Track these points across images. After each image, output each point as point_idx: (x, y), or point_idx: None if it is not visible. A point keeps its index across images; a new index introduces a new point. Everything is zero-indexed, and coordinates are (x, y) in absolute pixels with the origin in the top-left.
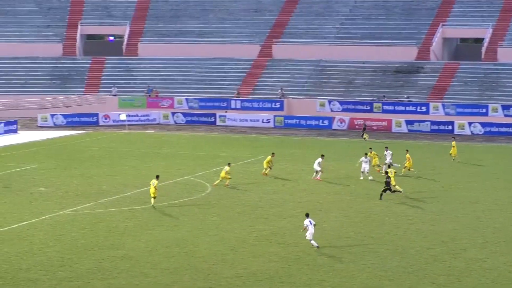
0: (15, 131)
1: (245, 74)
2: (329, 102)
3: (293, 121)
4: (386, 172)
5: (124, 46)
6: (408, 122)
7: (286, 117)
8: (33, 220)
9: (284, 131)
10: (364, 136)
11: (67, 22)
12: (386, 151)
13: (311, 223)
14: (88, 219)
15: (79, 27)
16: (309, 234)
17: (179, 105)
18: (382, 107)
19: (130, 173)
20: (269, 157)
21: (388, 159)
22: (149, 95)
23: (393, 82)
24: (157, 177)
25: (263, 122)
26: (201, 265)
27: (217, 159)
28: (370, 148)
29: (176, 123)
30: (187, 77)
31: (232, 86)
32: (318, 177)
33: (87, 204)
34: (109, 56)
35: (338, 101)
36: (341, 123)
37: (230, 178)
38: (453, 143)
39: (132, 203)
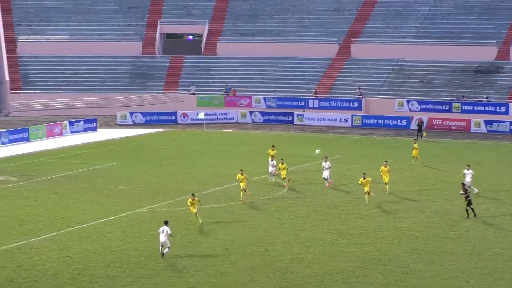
0: (94, 129)
1: (323, 73)
2: (408, 101)
3: (371, 121)
4: (465, 191)
5: (202, 45)
6: (487, 123)
7: (364, 117)
8: (112, 218)
9: (361, 131)
10: (422, 134)
11: (146, 21)
12: (468, 169)
13: (162, 232)
14: (166, 217)
15: (159, 26)
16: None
17: (257, 104)
18: (461, 107)
19: (208, 171)
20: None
21: (467, 180)
22: (227, 94)
23: (472, 82)
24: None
25: (340, 121)
26: (277, 264)
27: (294, 158)
28: (386, 161)
29: (253, 122)
30: (265, 76)
31: (310, 85)
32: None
33: (165, 202)
34: (188, 55)
35: (416, 100)
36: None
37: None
38: None
39: (209, 202)
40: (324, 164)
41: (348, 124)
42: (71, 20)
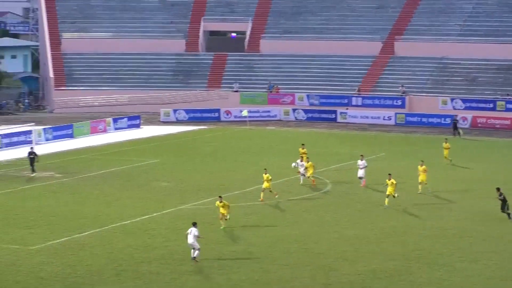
0: (138, 125)
1: (367, 71)
2: (452, 99)
3: (415, 119)
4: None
5: (246, 43)
6: None
7: (407, 115)
8: (155, 214)
9: (405, 129)
10: (459, 131)
11: (190, 18)
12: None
13: (190, 233)
14: (209, 214)
15: (202, 23)
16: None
17: (300, 101)
18: (506, 106)
19: (251, 169)
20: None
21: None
22: (270, 92)
23: None
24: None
25: (384, 119)
26: (321, 262)
27: (338, 156)
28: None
29: (296, 119)
30: (308, 73)
31: (353, 83)
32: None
33: (208, 199)
34: (231, 52)
35: (460, 98)
36: (463, 121)
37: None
38: None
39: (252, 199)
40: (359, 162)
41: (392, 122)
42: (115, 17)
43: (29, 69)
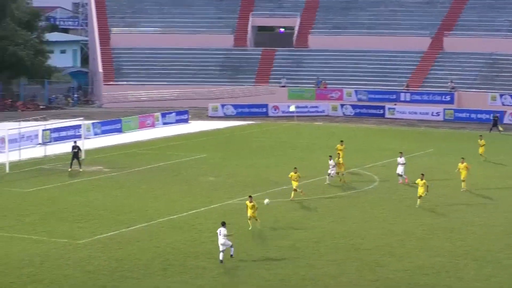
0: (186, 120)
1: (415, 67)
2: (501, 95)
3: (463, 115)
4: None
5: (294, 38)
6: None
7: (456, 111)
8: (202, 209)
9: (453, 125)
10: (499, 128)
11: (238, 13)
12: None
13: (219, 233)
14: (257, 209)
15: (250, 18)
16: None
17: (348, 97)
18: None
19: (298, 164)
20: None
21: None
22: (318, 87)
23: None
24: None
25: (432, 115)
26: (367, 258)
27: (386, 151)
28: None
29: (344, 115)
30: (357, 69)
31: (402, 79)
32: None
33: (255, 194)
34: (279, 48)
35: (509, 94)
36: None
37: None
38: None
39: (299, 194)
40: (398, 159)
41: (440, 117)
42: (163, 12)
43: (78, 63)
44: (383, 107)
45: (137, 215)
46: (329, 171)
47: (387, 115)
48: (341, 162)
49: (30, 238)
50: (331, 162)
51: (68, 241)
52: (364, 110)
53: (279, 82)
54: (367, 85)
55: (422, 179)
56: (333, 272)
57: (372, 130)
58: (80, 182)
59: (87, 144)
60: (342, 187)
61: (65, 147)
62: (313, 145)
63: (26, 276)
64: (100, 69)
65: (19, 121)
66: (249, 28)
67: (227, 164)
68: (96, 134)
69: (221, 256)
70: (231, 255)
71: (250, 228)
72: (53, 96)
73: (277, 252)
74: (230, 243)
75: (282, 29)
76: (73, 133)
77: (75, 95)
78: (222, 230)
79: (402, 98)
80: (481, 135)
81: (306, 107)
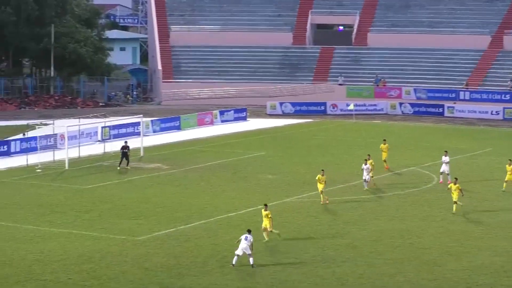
0: (244, 118)
1: (475, 65)
2: None
3: None
4: None
5: (353, 36)
6: None
7: None
8: (260, 207)
9: None
10: None
11: (297, 11)
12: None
13: (246, 239)
14: (314, 207)
15: (310, 16)
16: (240, 250)
17: (406, 95)
18: None
19: (356, 162)
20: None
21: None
22: (377, 85)
23: None
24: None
25: (492, 114)
26: (425, 257)
27: (444, 150)
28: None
29: (403, 113)
30: (416, 67)
31: (461, 77)
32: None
33: (313, 192)
34: (338, 46)
35: None
36: None
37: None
38: None
39: (357, 193)
40: (443, 158)
41: (500, 116)
42: (223, 10)
43: (138, 61)
44: (442, 106)
45: (195, 212)
46: (364, 177)
47: (446, 113)
48: (372, 164)
49: (89, 235)
50: (365, 167)
51: (127, 238)
52: (423, 109)
53: (338, 80)
54: (426, 83)
55: (455, 183)
56: (391, 271)
57: (431, 128)
58: (139, 179)
59: (146, 141)
60: (399, 187)
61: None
62: (371, 144)
63: (85, 272)
64: (159, 67)
65: (79, 118)
66: (308, 26)
67: (285, 162)
68: (155, 131)
69: (235, 260)
70: (252, 265)
71: (265, 241)
72: (113, 93)
73: (335, 251)
74: (250, 251)
75: (341, 27)
76: (132, 130)
77: (134, 93)
78: (248, 237)
79: (461, 97)
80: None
81: (364, 105)
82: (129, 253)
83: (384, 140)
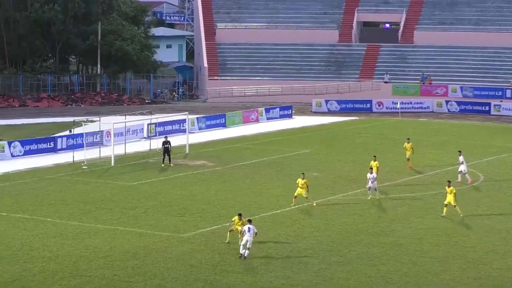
0: (290, 116)
1: None
2: None
3: None
4: None
5: (399, 33)
6: None
7: None
8: (305, 204)
9: None
10: None
11: (343, 9)
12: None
13: (249, 230)
14: (359, 205)
15: (356, 14)
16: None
17: (453, 93)
18: None
19: (401, 160)
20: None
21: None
22: (423, 83)
23: None
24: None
25: None
26: (470, 255)
27: (490, 148)
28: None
29: (449, 111)
30: (462, 65)
31: (508, 75)
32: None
33: (358, 190)
34: (384, 43)
35: None
36: None
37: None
38: None
39: (402, 191)
40: (459, 159)
41: None
42: (269, 7)
43: (184, 58)
44: (488, 104)
45: (240, 209)
46: (368, 185)
47: (493, 112)
48: (377, 166)
49: (134, 231)
50: (371, 176)
51: (172, 235)
52: (469, 107)
53: (383, 78)
54: (472, 81)
55: (449, 186)
56: (435, 269)
57: (477, 127)
58: (184, 176)
59: (191, 138)
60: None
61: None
62: (417, 142)
63: (130, 269)
64: (205, 64)
65: (125, 115)
66: (354, 24)
67: (330, 160)
68: (200, 128)
69: (241, 250)
70: (244, 256)
71: (226, 241)
72: (158, 90)
73: (380, 248)
74: (250, 245)
75: (387, 25)
76: (177, 127)
77: (180, 90)
78: (251, 228)
79: (508, 95)
80: None
81: (410, 103)
82: (174, 250)
83: (408, 138)
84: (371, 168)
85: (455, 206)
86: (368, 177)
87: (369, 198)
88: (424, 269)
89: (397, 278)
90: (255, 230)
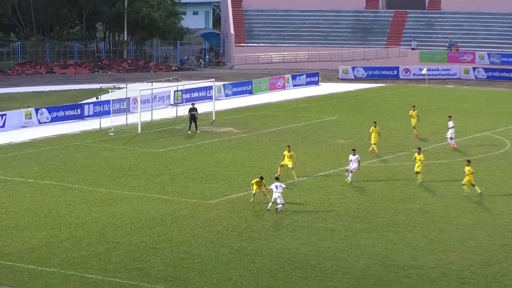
0: (316, 83)
1: None
2: None
3: None
4: None
5: (427, 0)
6: None
7: None
8: (331, 171)
9: None
10: None
11: None
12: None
13: (277, 188)
14: (385, 172)
15: None
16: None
17: (480, 60)
18: None
19: (429, 127)
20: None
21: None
22: (450, 50)
23: None
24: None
25: None
26: (497, 222)
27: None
28: (375, 122)
29: (476, 78)
30: (490, 31)
31: None
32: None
33: (385, 157)
34: (411, 10)
35: None
36: None
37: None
38: None
39: (429, 158)
40: (449, 123)
41: None
42: None
43: (210, 25)
44: None
45: (266, 176)
46: (348, 166)
47: None
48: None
49: (161, 198)
50: (353, 158)
51: (198, 201)
52: (496, 74)
53: (410, 45)
54: (500, 48)
55: (419, 153)
56: (462, 236)
57: (505, 93)
58: (210, 143)
59: (217, 105)
60: (472, 152)
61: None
62: (443, 109)
63: (157, 235)
64: (232, 31)
65: (152, 82)
66: None
67: (357, 127)
68: (227, 95)
69: (270, 206)
70: (276, 209)
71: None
72: (185, 57)
73: (406, 215)
74: (283, 201)
75: None
76: (204, 94)
77: (207, 57)
78: (278, 185)
79: None
80: None
81: (437, 69)
82: (200, 216)
83: (414, 106)
84: (353, 150)
85: (473, 185)
86: (350, 159)
87: (347, 181)
88: (451, 236)
89: (423, 245)
90: (283, 186)
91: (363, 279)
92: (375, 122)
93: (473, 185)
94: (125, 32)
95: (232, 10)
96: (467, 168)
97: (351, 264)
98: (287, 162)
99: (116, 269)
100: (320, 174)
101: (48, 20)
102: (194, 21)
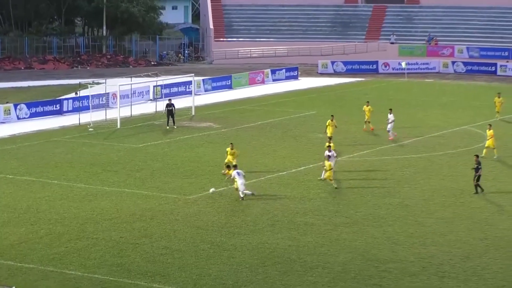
0: (296, 77)
1: None
2: None
3: None
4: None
5: None
6: None
7: None
8: (311, 166)
9: None
10: None
11: None
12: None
13: (239, 174)
14: (364, 166)
15: None
16: (240, 185)
17: (459, 54)
18: None
19: (409, 121)
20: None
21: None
22: (429, 44)
23: None
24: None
25: None
26: (477, 216)
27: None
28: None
29: (455, 72)
30: (468, 25)
31: None
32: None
33: (364, 152)
34: (390, 4)
35: None
36: None
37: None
38: None
39: (408, 152)
40: (388, 116)
41: None
42: None
43: (189, 20)
44: (495, 65)
45: (246, 171)
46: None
47: (499, 72)
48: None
49: (141, 193)
50: (330, 154)
51: (178, 197)
52: (475, 67)
53: (390, 39)
54: (479, 42)
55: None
56: (442, 230)
57: (483, 87)
58: (190, 138)
59: (197, 100)
60: (451, 146)
61: (176, 104)
62: (423, 103)
63: (137, 231)
64: (211, 26)
65: (131, 77)
66: None
67: (336, 121)
68: (206, 90)
69: (241, 194)
70: (242, 198)
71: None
72: (164, 52)
73: (386, 210)
74: (246, 189)
75: None
76: (183, 89)
77: (186, 52)
78: (240, 172)
79: None
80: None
81: (416, 63)
82: (180, 212)
83: (367, 102)
84: (329, 146)
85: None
86: (325, 155)
87: (320, 178)
88: (430, 230)
89: (403, 239)
90: (243, 173)
91: (343, 274)
92: (332, 116)
93: (493, 148)
94: (104, 27)
95: (211, 4)
96: (489, 132)
97: (331, 259)
98: (230, 159)
99: (95, 265)
100: (299, 168)
101: (26, 16)
102: (173, 16)
